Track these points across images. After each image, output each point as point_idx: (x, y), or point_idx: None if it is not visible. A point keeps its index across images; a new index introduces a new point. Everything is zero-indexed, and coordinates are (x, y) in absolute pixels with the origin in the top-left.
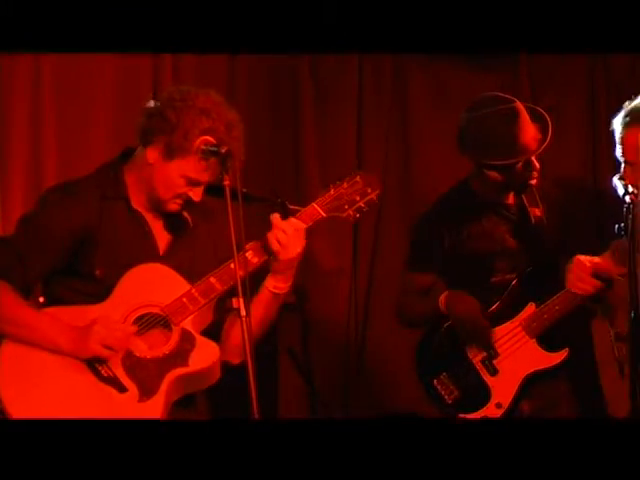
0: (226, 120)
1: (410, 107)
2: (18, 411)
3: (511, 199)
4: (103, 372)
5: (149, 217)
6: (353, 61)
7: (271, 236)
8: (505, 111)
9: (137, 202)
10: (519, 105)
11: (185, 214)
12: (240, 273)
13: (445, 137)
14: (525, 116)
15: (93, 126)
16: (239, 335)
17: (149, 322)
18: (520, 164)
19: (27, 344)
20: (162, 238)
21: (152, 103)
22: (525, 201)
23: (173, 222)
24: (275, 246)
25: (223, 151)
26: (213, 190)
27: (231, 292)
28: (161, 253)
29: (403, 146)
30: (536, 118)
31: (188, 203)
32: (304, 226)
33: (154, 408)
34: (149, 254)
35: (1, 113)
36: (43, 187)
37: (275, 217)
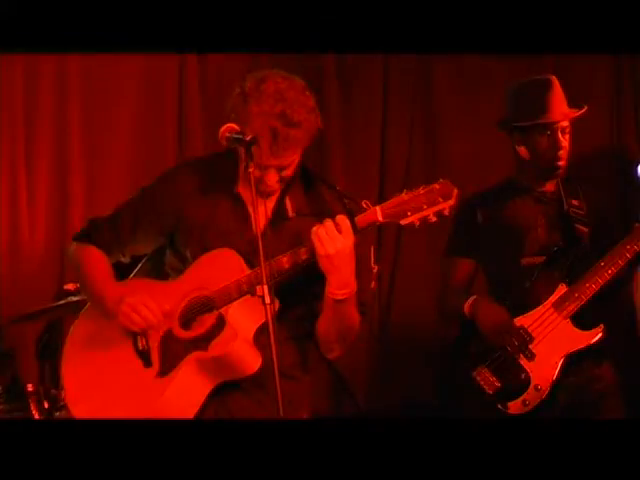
0: (295, 99)
1: (435, 102)
2: (70, 382)
3: (550, 187)
4: (139, 345)
5: (251, 202)
6: (378, 58)
7: (314, 232)
8: (541, 79)
9: (243, 186)
10: (555, 79)
11: (287, 203)
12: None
13: (470, 131)
14: (559, 90)
15: (119, 126)
16: (323, 331)
17: (198, 304)
18: (545, 136)
19: (97, 322)
20: (258, 224)
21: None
22: (563, 191)
23: (274, 209)
24: (314, 239)
25: (248, 138)
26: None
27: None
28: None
29: (428, 143)
30: (573, 104)
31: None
32: (348, 224)
33: (164, 386)
34: (242, 237)
35: (27, 113)
36: (68, 186)
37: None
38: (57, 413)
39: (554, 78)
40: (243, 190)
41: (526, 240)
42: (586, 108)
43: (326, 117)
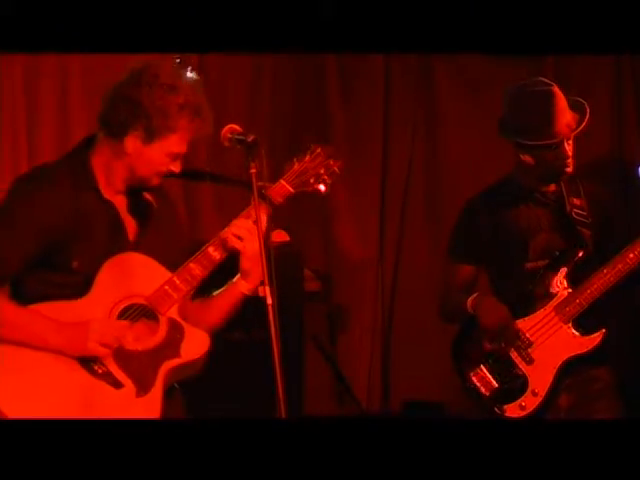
0: (192, 86)
1: (436, 102)
2: (12, 411)
3: (551, 187)
4: (97, 368)
5: (118, 204)
6: (379, 58)
7: (231, 234)
8: (543, 92)
9: (106, 189)
10: (557, 89)
11: (148, 196)
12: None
13: (471, 131)
14: (562, 101)
15: None
16: (215, 319)
17: (135, 313)
18: (551, 150)
19: (14, 344)
20: (130, 224)
21: (113, 91)
22: (564, 190)
23: (138, 206)
24: (237, 243)
25: (249, 139)
26: (182, 174)
27: (210, 277)
28: (131, 239)
29: (429, 142)
30: (575, 106)
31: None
32: (264, 217)
33: (152, 402)
34: (121, 243)
35: (29, 113)
36: None
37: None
38: None
39: (555, 88)
40: (108, 194)
41: (530, 245)
42: (588, 114)
43: (327, 117)
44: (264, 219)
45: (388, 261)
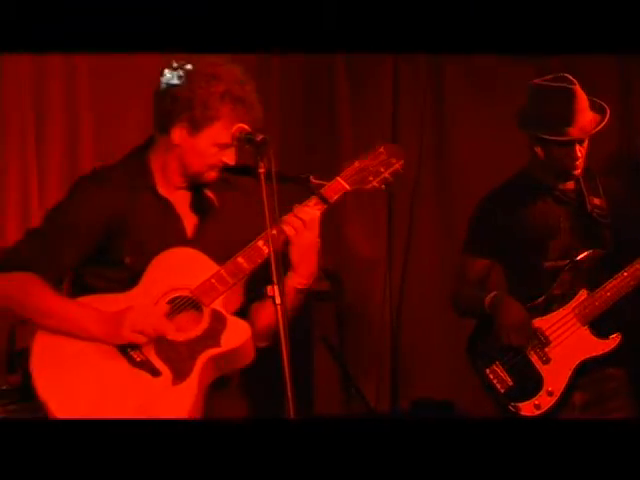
0: (236, 77)
1: (445, 102)
2: (53, 400)
3: (570, 185)
4: (136, 357)
5: (176, 201)
6: (388, 58)
7: (286, 222)
8: (565, 89)
9: (163, 187)
10: (579, 88)
11: (210, 194)
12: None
13: (481, 131)
14: (583, 101)
15: (129, 126)
16: (266, 319)
17: (179, 305)
18: (563, 148)
19: (60, 334)
20: (189, 221)
21: (159, 86)
22: (584, 189)
23: (199, 204)
24: (290, 232)
25: (258, 139)
26: (236, 169)
27: (258, 272)
28: (189, 236)
29: (438, 141)
30: (595, 108)
31: (212, 183)
32: (318, 211)
33: (188, 390)
34: (178, 238)
35: (38, 113)
36: None
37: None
38: None
39: (578, 87)
40: (165, 190)
41: (550, 244)
42: (608, 117)
43: (336, 117)
44: (317, 216)
45: (397, 261)
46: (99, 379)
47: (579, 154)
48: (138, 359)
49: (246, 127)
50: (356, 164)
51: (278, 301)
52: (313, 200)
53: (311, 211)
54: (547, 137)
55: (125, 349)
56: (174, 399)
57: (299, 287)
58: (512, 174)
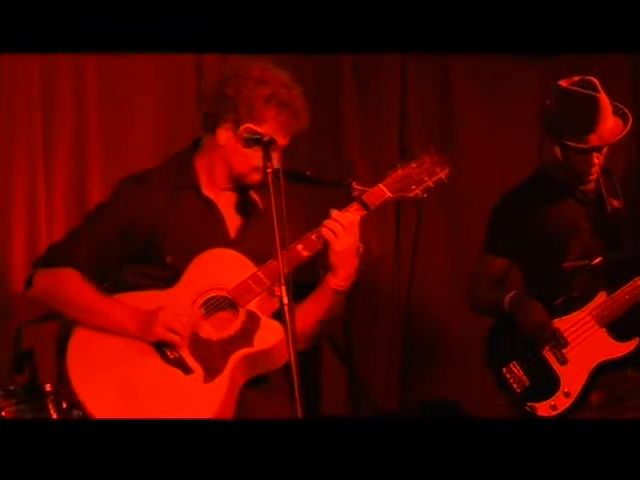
0: (283, 82)
1: (453, 102)
2: (86, 393)
3: (590, 186)
4: (169, 354)
5: (220, 202)
6: (396, 58)
7: (326, 226)
8: (589, 96)
9: (208, 188)
10: (603, 96)
11: (255, 196)
12: (284, 266)
13: (489, 131)
14: (607, 108)
15: (137, 126)
16: (304, 321)
17: (216, 305)
18: (581, 154)
19: (98, 330)
20: (233, 222)
21: (207, 87)
22: (604, 190)
23: (244, 206)
24: (329, 236)
25: (266, 139)
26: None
27: (298, 275)
28: (232, 237)
29: (447, 143)
30: (619, 114)
31: (257, 185)
32: (357, 217)
33: (218, 389)
34: (220, 239)
35: (45, 113)
36: (87, 186)
37: (333, 210)
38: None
39: (602, 96)
40: (209, 191)
41: (569, 244)
42: (630, 124)
43: (343, 117)
44: (356, 221)
45: (404, 259)
46: (132, 375)
47: (596, 161)
48: (171, 356)
49: (253, 127)
50: (399, 171)
51: (285, 301)
52: (354, 206)
53: (350, 216)
54: (565, 143)
55: (160, 346)
56: (204, 397)
57: (337, 289)
58: (529, 172)
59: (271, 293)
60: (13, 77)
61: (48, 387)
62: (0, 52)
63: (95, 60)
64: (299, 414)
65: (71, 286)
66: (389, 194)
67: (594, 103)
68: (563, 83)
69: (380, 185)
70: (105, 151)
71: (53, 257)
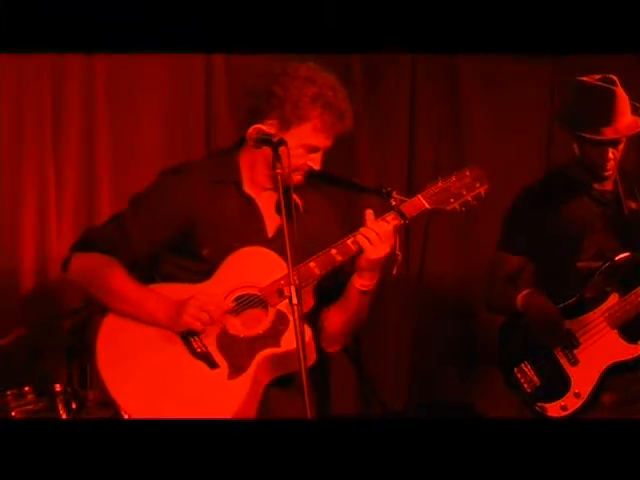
0: (330, 84)
1: (463, 102)
2: (112, 380)
3: (608, 186)
4: (196, 347)
5: (261, 200)
6: (405, 58)
7: (362, 234)
8: (605, 89)
9: (250, 185)
10: (620, 90)
11: (297, 198)
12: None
13: (499, 131)
14: (624, 103)
15: (146, 126)
16: (337, 324)
17: (246, 302)
18: (597, 148)
19: (129, 318)
20: (272, 221)
21: (254, 84)
22: (621, 192)
23: (284, 205)
24: (365, 244)
25: (275, 140)
26: (327, 179)
27: (331, 278)
28: (269, 236)
29: (456, 143)
30: (637, 113)
31: (299, 187)
32: (392, 226)
33: (241, 386)
34: (257, 236)
35: (55, 113)
36: (96, 186)
37: (369, 214)
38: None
39: (619, 90)
40: (250, 189)
41: (584, 243)
42: None
43: (353, 117)
44: (390, 230)
45: (413, 261)
46: (158, 365)
47: (611, 155)
48: (199, 350)
49: (263, 127)
50: (440, 184)
51: (295, 301)
52: (391, 215)
53: (387, 225)
54: (581, 134)
55: (187, 338)
56: (227, 393)
57: (362, 289)
58: (528, 180)
59: (280, 293)
60: (24, 77)
61: (57, 387)
62: (11, 52)
63: (105, 60)
64: (309, 414)
65: (107, 273)
66: (427, 205)
67: (611, 96)
68: (585, 78)
69: (419, 196)
70: (114, 150)
71: (91, 242)
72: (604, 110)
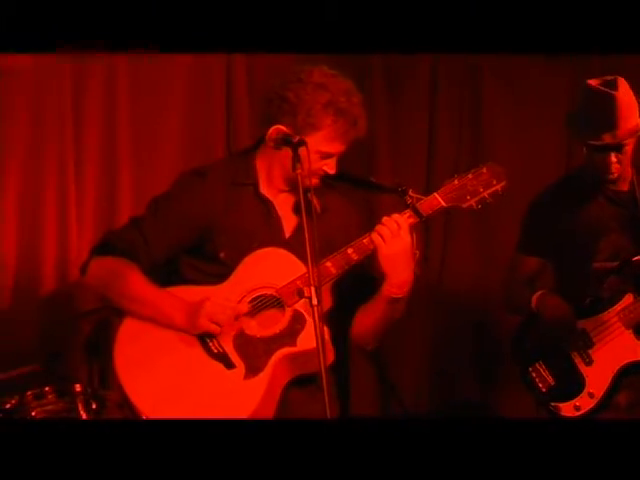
0: (343, 89)
1: (483, 103)
2: (129, 382)
3: (624, 187)
4: (213, 348)
5: (278, 202)
6: (426, 58)
7: (376, 231)
8: (605, 94)
9: (266, 187)
10: (621, 94)
11: (314, 200)
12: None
13: (519, 132)
14: (626, 107)
15: (167, 127)
16: (369, 323)
17: (263, 303)
18: (599, 153)
19: (147, 321)
20: (289, 223)
21: (268, 88)
22: (638, 192)
23: (301, 206)
24: (378, 240)
25: (295, 141)
26: (344, 178)
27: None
28: (287, 237)
29: (475, 143)
30: None
31: (318, 189)
32: (407, 223)
33: (258, 386)
34: (274, 238)
35: (76, 114)
36: (117, 188)
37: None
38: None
39: (620, 94)
40: (267, 191)
41: (600, 244)
42: None
43: (373, 118)
44: (405, 227)
45: (433, 262)
46: (175, 366)
47: (614, 159)
48: (215, 350)
49: (283, 128)
50: (456, 181)
51: (315, 302)
52: (407, 213)
53: (400, 221)
54: (583, 140)
55: (204, 339)
56: (244, 393)
57: (392, 296)
58: (547, 181)
59: (299, 294)
60: (45, 77)
61: (77, 387)
62: (32, 53)
63: (126, 60)
64: (328, 414)
65: (125, 276)
66: (443, 203)
67: (610, 101)
68: (590, 82)
69: (435, 194)
70: (135, 151)
71: (109, 246)
72: (605, 115)
